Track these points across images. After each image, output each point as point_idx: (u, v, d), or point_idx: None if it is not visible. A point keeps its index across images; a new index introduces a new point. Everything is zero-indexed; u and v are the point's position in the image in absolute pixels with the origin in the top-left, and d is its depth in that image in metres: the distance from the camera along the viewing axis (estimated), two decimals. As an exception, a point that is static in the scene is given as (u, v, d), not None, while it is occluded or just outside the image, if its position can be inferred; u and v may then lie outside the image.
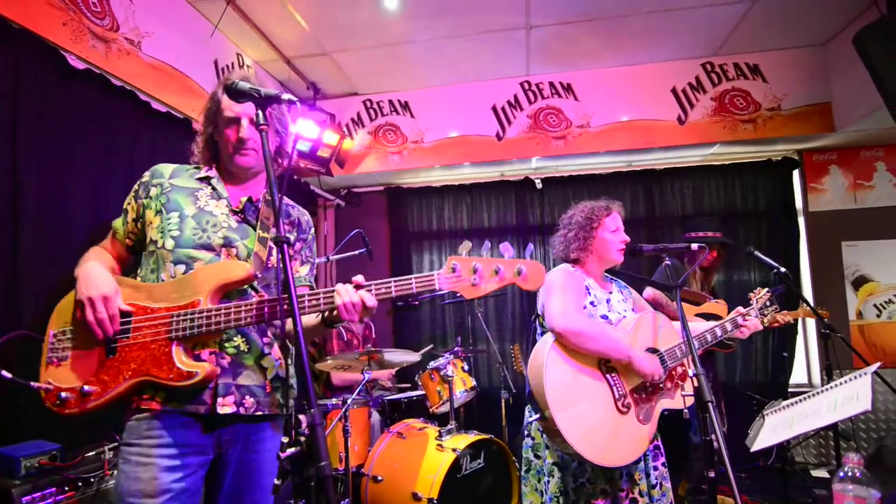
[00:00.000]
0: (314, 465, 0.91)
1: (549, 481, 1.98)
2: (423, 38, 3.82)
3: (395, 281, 1.28)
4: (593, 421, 1.83)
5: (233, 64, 3.76)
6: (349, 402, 2.77)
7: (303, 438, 0.93)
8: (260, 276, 1.40)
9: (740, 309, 2.19)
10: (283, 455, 0.93)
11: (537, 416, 1.84)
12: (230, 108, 1.41)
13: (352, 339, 3.82)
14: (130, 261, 1.50)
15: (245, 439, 1.38)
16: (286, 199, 1.59)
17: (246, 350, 1.39)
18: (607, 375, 1.92)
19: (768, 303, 2.24)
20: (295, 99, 1.20)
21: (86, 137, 2.52)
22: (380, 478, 2.78)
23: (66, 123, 2.43)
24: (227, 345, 1.36)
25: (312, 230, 1.63)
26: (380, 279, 1.30)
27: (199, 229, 1.39)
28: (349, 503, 2.75)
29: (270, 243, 1.44)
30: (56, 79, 2.39)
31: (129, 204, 1.49)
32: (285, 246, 1.10)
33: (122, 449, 1.31)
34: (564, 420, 1.78)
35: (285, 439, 0.94)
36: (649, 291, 3.23)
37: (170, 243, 1.37)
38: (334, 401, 3.05)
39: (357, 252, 3.21)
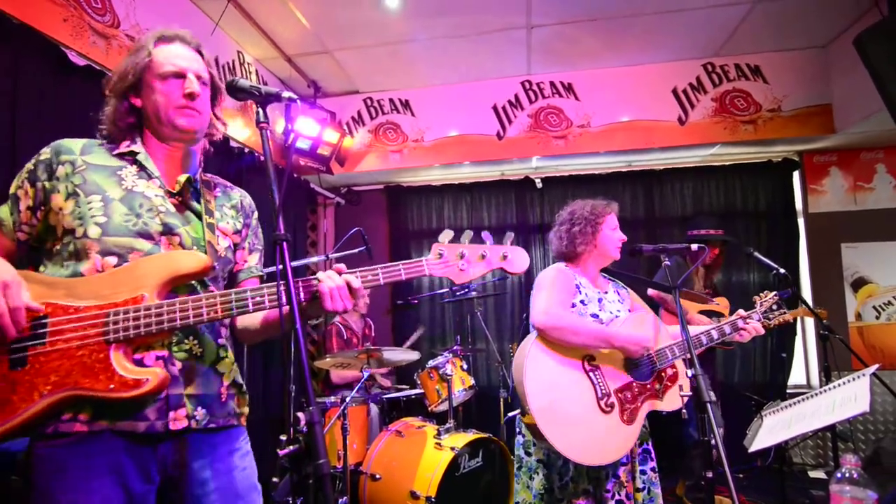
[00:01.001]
0: (312, 462, 0.91)
1: (534, 478, 2.01)
2: (424, 36, 3.82)
3: (382, 268, 1.21)
4: (574, 419, 1.84)
5: (233, 62, 3.76)
6: (348, 399, 2.78)
7: (301, 436, 0.93)
8: (217, 267, 1.24)
9: (741, 312, 2.16)
10: (281, 453, 0.92)
11: (518, 411, 1.87)
12: (170, 61, 1.22)
13: (351, 338, 3.82)
14: (17, 258, 1.19)
15: (200, 459, 1.16)
16: (223, 180, 1.42)
17: (199, 353, 1.18)
18: (590, 374, 1.93)
19: (774, 306, 2.19)
20: (295, 97, 1.16)
21: (84, 133, 2.51)
22: (378, 476, 2.78)
23: (66, 120, 2.42)
24: (176, 348, 1.15)
25: (256, 213, 1.44)
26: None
27: (132, 214, 1.15)
28: (347, 501, 2.75)
29: (218, 231, 1.28)
30: (56, 75, 2.39)
31: (19, 189, 1.19)
32: (285, 244, 1.07)
33: (37, 484, 1.04)
34: (543, 417, 1.80)
35: (283, 437, 0.94)
36: (655, 292, 3.24)
37: (94, 231, 1.12)
38: (333, 399, 3.05)
39: (356, 250, 3.21)
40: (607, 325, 2.03)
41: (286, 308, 1.10)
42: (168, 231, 1.18)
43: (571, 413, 1.85)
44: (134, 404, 1.06)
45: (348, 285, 1.16)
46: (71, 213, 1.13)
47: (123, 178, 1.19)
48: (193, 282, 1.20)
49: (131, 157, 1.23)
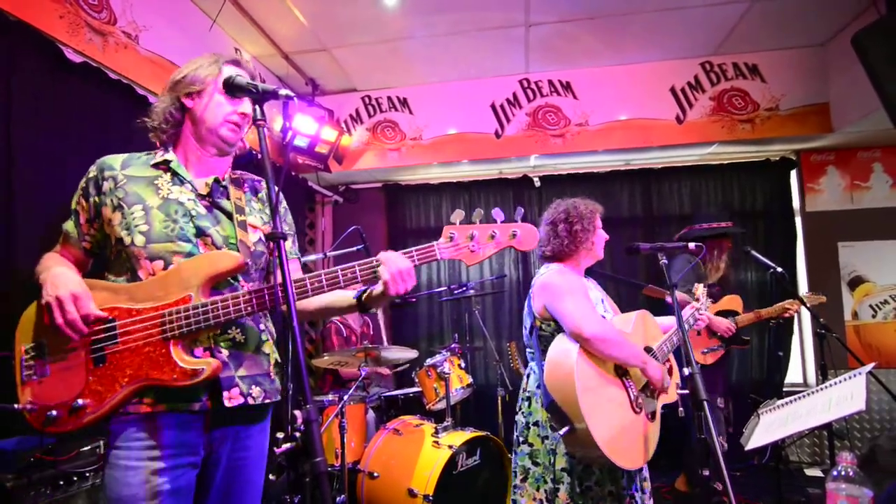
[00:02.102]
0: (309, 460, 0.91)
1: (558, 489, 1.94)
2: (422, 34, 3.81)
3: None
4: (618, 425, 1.83)
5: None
6: (346, 398, 2.77)
7: (298, 434, 0.93)
8: (250, 263, 1.36)
9: (694, 304, 2.35)
10: (278, 451, 0.92)
11: (567, 428, 1.77)
12: None
13: (350, 336, 3.82)
14: (89, 264, 1.42)
15: (235, 436, 1.33)
16: (251, 175, 1.53)
17: (242, 340, 1.33)
18: (623, 378, 1.93)
19: (708, 297, 2.45)
20: (292, 94, 1.17)
21: (82, 131, 2.51)
22: (376, 474, 2.78)
23: (62, 117, 2.41)
24: (220, 338, 1.30)
25: (284, 202, 1.53)
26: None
27: (170, 220, 1.30)
28: (345, 499, 2.75)
29: (249, 226, 1.39)
30: (52, 72, 2.37)
31: (77, 204, 1.38)
32: (282, 242, 1.09)
33: (111, 453, 1.24)
34: (598, 428, 1.74)
35: (280, 434, 0.94)
36: (679, 295, 3.21)
37: (140, 239, 1.28)
38: (331, 397, 3.05)
39: (354, 249, 3.20)
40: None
41: (349, 300, 1.36)
42: (201, 233, 1.32)
43: (616, 420, 1.83)
44: (191, 389, 1.23)
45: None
46: (119, 224, 1.29)
47: (160, 187, 1.33)
48: (230, 277, 1.33)
49: (165, 166, 1.36)
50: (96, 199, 1.33)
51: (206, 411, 1.27)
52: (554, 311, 1.97)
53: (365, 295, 1.35)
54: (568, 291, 1.95)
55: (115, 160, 1.37)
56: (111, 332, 1.24)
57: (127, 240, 1.28)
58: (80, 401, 1.20)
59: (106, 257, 1.36)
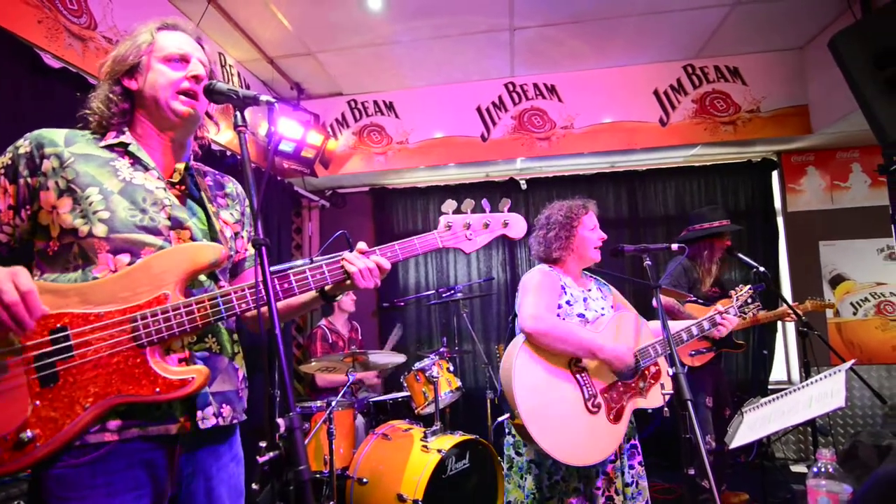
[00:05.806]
0: (293, 469, 0.90)
1: (527, 478, 2.01)
2: (407, 38, 3.81)
3: (399, 244, 1.27)
4: (562, 421, 1.86)
5: (214, 63, 3.71)
6: (334, 404, 2.75)
7: (281, 442, 0.92)
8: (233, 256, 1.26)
9: (718, 307, 2.22)
10: (260, 459, 0.91)
11: (507, 415, 1.86)
12: (175, 45, 1.20)
13: (337, 341, 3.80)
14: None
15: (206, 470, 1.14)
16: (211, 169, 1.38)
17: (217, 351, 1.17)
18: (577, 376, 1.95)
19: (749, 300, 2.26)
20: (273, 100, 1.13)
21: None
22: (365, 480, 2.76)
23: (41, 124, 2.36)
24: (196, 347, 1.13)
25: (248, 201, 1.38)
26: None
27: (136, 209, 1.10)
28: (334, 506, 2.73)
29: (220, 220, 1.26)
30: (30, 78, 2.34)
31: None
32: (263, 249, 1.02)
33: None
34: (532, 420, 1.80)
35: (263, 443, 0.92)
36: (664, 299, 3.17)
37: (101, 229, 1.06)
38: (319, 403, 3.03)
39: (341, 254, 3.19)
40: (592, 323, 2.05)
41: (311, 294, 1.24)
42: (178, 225, 1.14)
43: (560, 415, 1.86)
44: (165, 408, 1.06)
45: (378, 266, 1.22)
46: (71, 212, 1.07)
47: (118, 170, 1.12)
48: (203, 276, 1.17)
49: (122, 149, 1.16)
50: (30, 180, 1.08)
51: (182, 435, 1.08)
52: (517, 306, 2.04)
53: (329, 287, 1.26)
54: (533, 290, 2.01)
55: (55, 134, 1.13)
56: (63, 343, 0.99)
57: (83, 230, 1.06)
58: (28, 433, 0.94)
59: (38, 252, 1.12)
